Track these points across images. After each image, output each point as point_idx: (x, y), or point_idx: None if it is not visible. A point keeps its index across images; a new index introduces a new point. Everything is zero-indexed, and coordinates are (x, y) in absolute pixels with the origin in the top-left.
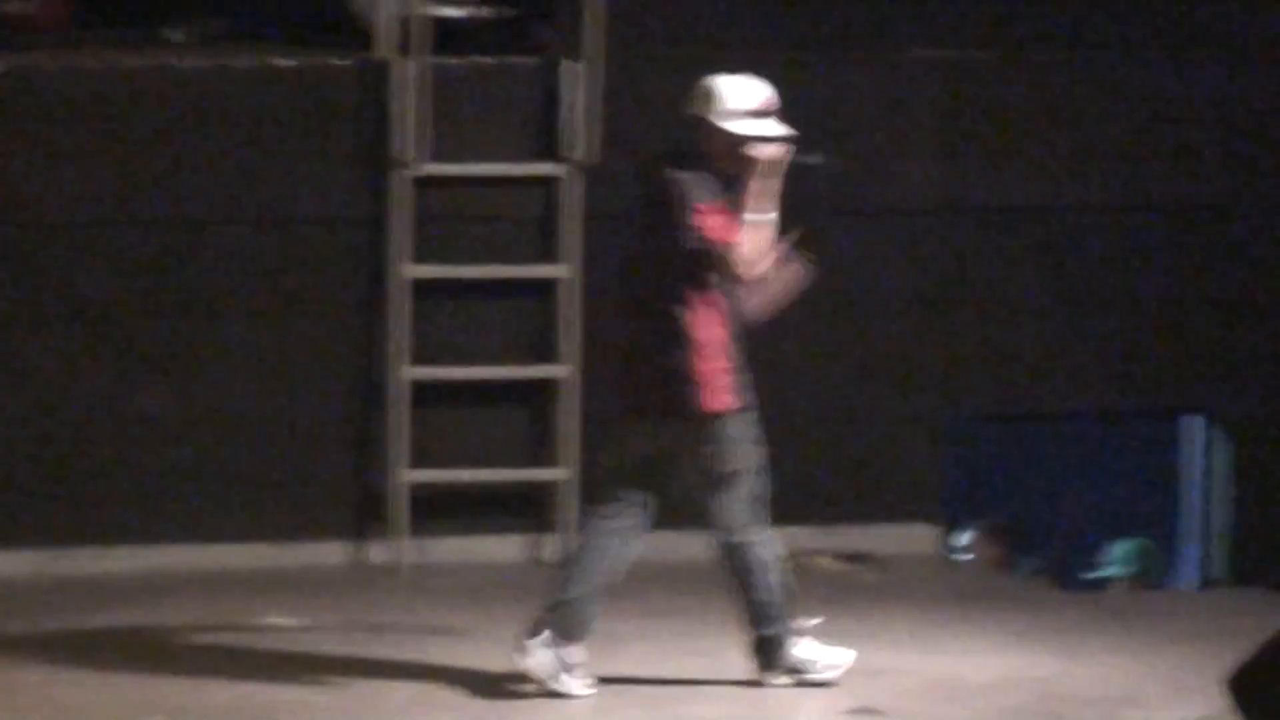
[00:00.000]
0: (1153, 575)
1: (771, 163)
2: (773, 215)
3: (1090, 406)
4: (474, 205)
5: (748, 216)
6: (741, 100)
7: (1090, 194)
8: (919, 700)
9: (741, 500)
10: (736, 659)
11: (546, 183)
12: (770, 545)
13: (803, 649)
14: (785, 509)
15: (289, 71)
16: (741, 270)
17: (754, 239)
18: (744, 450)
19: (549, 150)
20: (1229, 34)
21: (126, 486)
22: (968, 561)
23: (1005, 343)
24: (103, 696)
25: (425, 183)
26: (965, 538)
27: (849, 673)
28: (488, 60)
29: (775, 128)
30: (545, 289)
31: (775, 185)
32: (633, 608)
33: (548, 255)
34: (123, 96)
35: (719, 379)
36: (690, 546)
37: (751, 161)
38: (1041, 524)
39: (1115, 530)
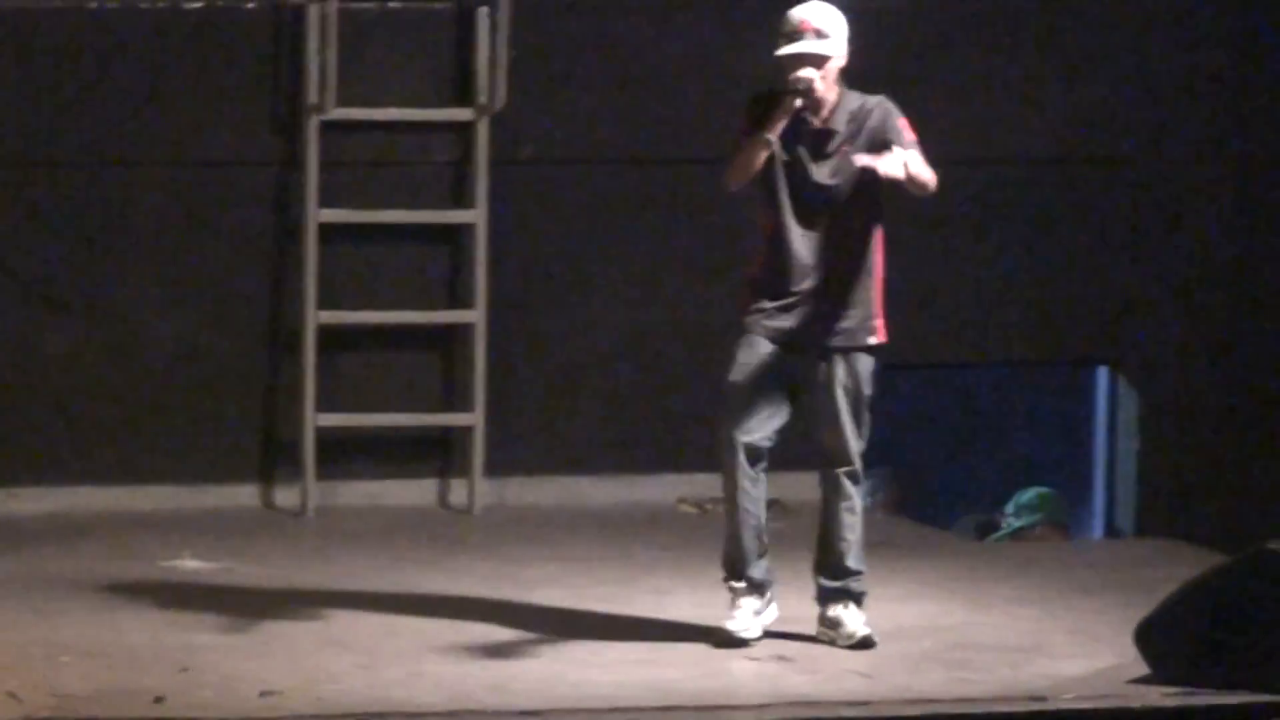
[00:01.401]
0: (1059, 523)
1: (795, 81)
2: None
3: (999, 357)
4: (384, 150)
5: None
6: (785, 24)
7: (998, 145)
8: (825, 647)
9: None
10: (643, 605)
11: (456, 128)
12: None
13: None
14: (691, 456)
15: (199, 14)
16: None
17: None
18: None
19: (459, 96)
20: None
21: (35, 427)
22: (871, 509)
23: (915, 292)
24: (10, 638)
25: (335, 127)
26: (871, 487)
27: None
28: (398, 4)
29: (805, 46)
30: (454, 234)
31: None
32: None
33: (457, 200)
34: (32, 37)
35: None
36: None
37: (789, 81)
38: (951, 473)
39: (1023, 480)
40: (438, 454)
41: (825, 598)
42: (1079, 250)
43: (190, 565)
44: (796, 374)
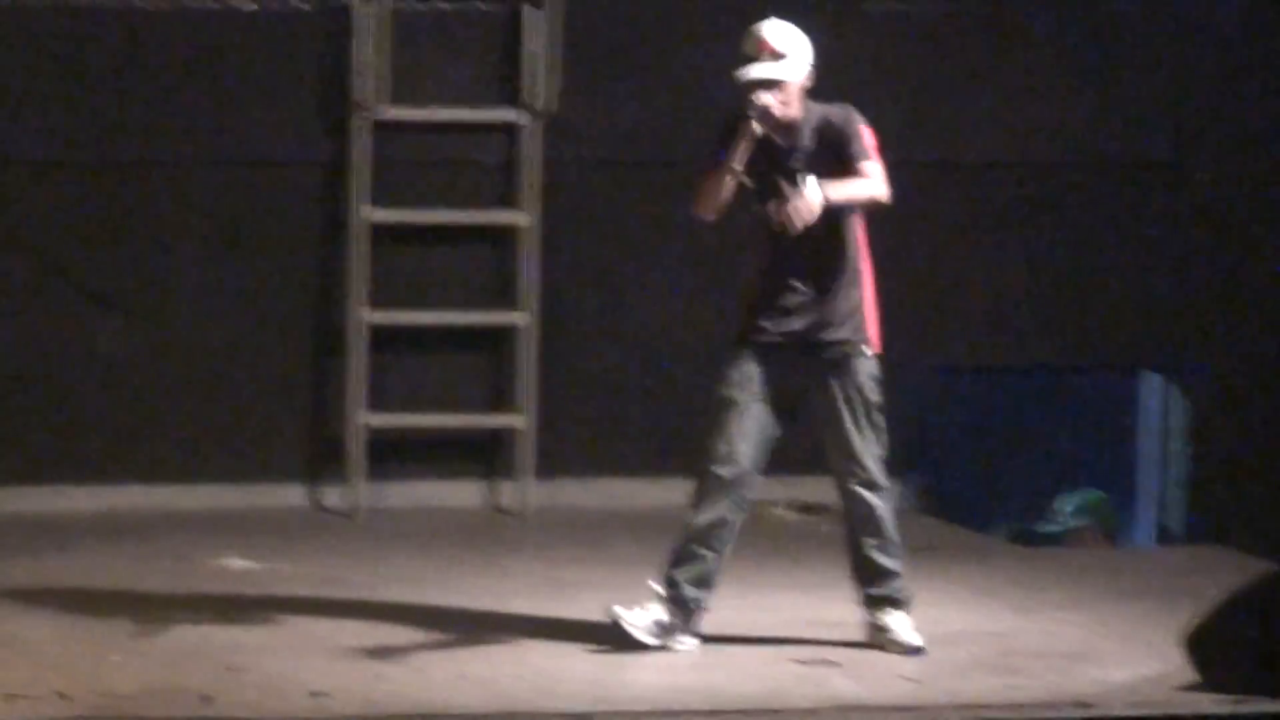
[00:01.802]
0: (1108, 528)
1: (753, 109)
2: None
3: (1049, 361)
4: (434, 150)
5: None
6: (744, 47)
7: (1052, 150)
8: (873, 652)
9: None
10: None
11: (507, 129)
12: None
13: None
14: None
15: (251, 14)
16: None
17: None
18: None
19: (509, 96)
20: None
21: (85, 426)
22: (922, 516)
23: (965, 295)
24: (58, 634)
25: (385, 127)
26: (909, 494)
27: (805, 624)
28: (448, 5)
29: (761, 70)
30: (505, 235)
31: (756, 129)
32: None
33: (507, 202)
34: (82, 37)
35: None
36: None
37: (748, 108)
38: (998, 477)
39: (1070, 485)
40: (487, 455)
41: (869, 604)
42: (1129, 254)
43: (238, 565)
44: (793, 390)
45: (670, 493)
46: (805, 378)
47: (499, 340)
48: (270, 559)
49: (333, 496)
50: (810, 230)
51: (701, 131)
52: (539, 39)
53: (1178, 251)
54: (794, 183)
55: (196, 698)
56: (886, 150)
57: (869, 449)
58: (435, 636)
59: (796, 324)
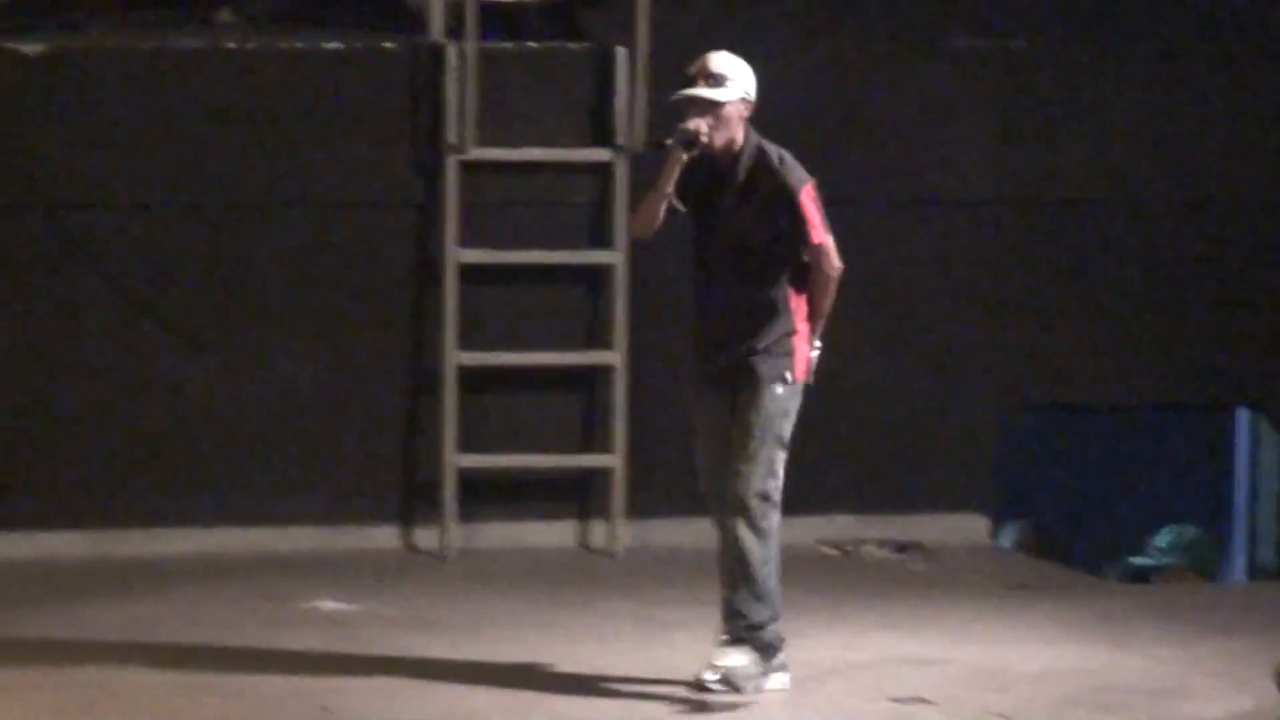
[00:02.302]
0: (1203, 564)
1: (681, 132)
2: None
3: (1142, 399)
4: (523, 190)
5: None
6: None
7: (1145, 187)
8: (968, 689)
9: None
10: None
11: (596, 168)
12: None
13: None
14: (836, 497)
15: (340, 55)
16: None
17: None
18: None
19: (598, 136)
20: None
21: (179, 469)
22: (1015, 553)
23: (1058, 333)
24: (153, 679)
25: (475, 167)
26: (1009, 535)
27: (899, 662)
28: (538, 45)
29: (695, 90)
30: (595, 275)
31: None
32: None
33: (597, 241)
34: (172, 78)
35: None
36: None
37: (675, 131)
38: (1092, 515)
39: (1166, 521)
40: (578, 495)
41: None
42: (1221, 291)
43: (331, 607)
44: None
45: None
46: (729, 402)
47: (590, 380)
48: (364, 600)
49: (425, 537)
50: (744, 262)
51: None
52: (627, 77)
53: (1269, 288)
54: (723, 205)
55: None
56: (972, 188)
57: (754, 484)
58: (528, 676)
59: (721, 357)
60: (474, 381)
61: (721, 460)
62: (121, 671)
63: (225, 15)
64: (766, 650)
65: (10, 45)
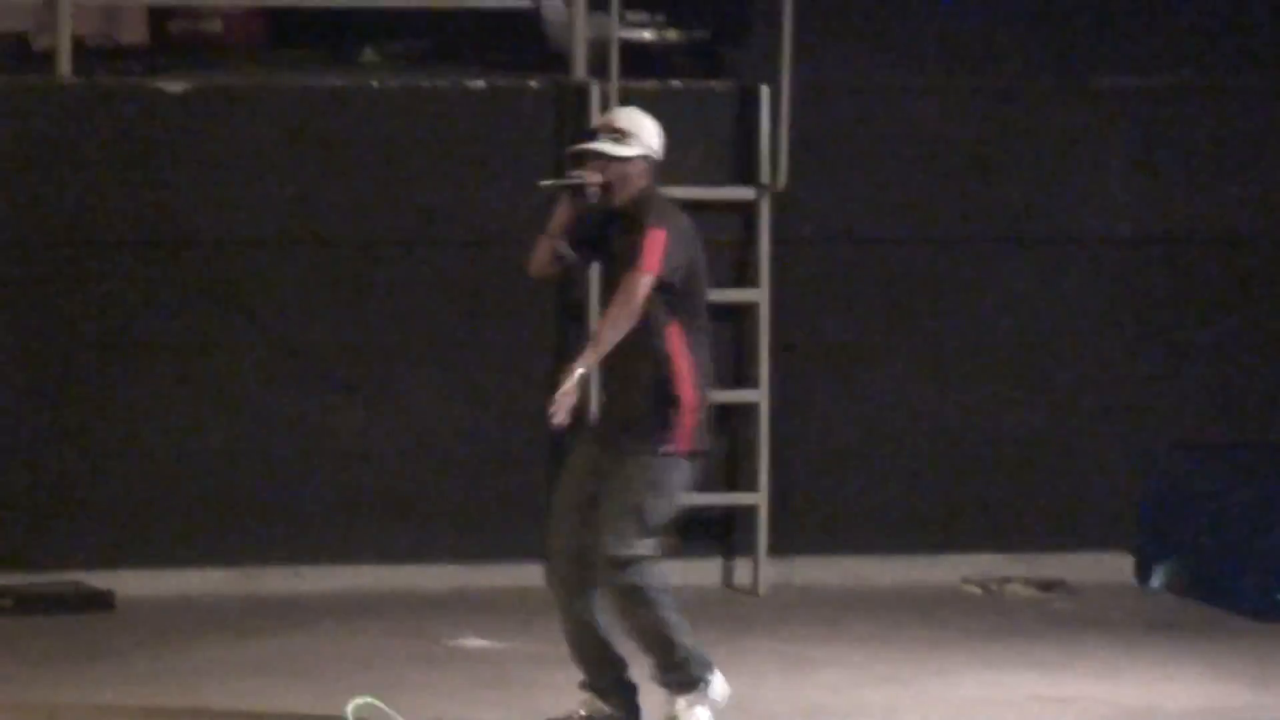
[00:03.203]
0: None
1: (574, 182)
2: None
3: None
4: None
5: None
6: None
7: (1256, 223)
8: None
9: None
10: (927, 685)
11: (739, 207)
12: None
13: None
14: (979, 535)
15: (484, 93)
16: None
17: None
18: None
19: (741, 174)
20: None
21: (323, 507)
22: (1161, 592)
23: (1201, 370)
24: (296, 713)
25: None
26: (1159, 576)
27: (1043, 701)
28: (681, 84)
29: (596, 145)
30: (737, 313)
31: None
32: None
33: (741, 279)
34: (316, 116)
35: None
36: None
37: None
38: (1241, 554)
39: None
40: (722, 533)
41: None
42: None
43: (475, 644)
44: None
45: (909, 570)
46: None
47: (733, 417)
48: (507, 638)
49: None
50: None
51: (935, 207)
52: (769, 116)
53: None
54: (609, 257)
55: None
56: (1117, 226)
57: (613, 545)
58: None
59: (605, 411)
60: None
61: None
62: (268, 707)
63: (369, 55)
64: (701, 679)
65: (155, 84)
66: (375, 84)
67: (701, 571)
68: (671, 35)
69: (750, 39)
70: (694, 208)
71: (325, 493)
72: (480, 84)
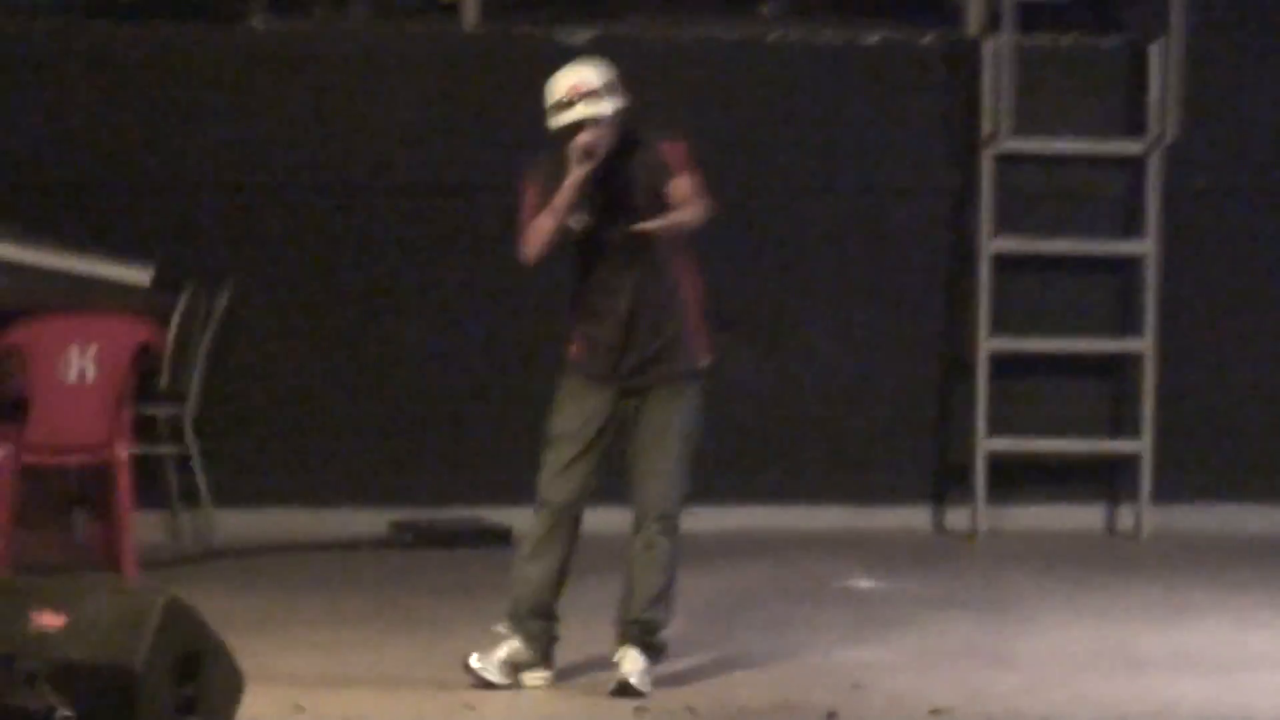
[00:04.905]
0: None
1: (581, 150)
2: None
3: None
4: (1055, 182)
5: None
6: (551, 95)
7: None
8: None
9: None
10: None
11: (1127, 160)
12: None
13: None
14: None
15: (878, 48)
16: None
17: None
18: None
19: (1131, 128)
20: None
21: (717, 447)
22: None
23: None
24: (704, 653)
25: (1008, 158)
26: None
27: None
28: (1073, 39)
29: (584, 111)
30: (1125, 264)
31: (586, 169)
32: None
33: (1129, 231)
34: (713, 69)
35: None
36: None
37: (573, 151)
38: None
39: None
40: (1105, 480)
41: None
42: None
43: (864, 585)
44: (614, 415)
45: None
46: (631, 405)
47: (1118, 367)
48: (895, 579)
49: (955, 518)
50: (640, 257)
51: None
52: (1161, 70)
53: None
54: (612, 206)
55: (821, 713)
56: None
57: (666, 501)
58: (1052, 656)
59: (623, 351)
60: (1004, 366)
61: (589, 466)
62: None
63: (766, 8)
64: (664, 650)
65: (555, 35)
66: (771, 39)
67: (1083, 516)
68: None
69: None
70: (1084, 161)
71: (718, 434)
72: (874, 38)
